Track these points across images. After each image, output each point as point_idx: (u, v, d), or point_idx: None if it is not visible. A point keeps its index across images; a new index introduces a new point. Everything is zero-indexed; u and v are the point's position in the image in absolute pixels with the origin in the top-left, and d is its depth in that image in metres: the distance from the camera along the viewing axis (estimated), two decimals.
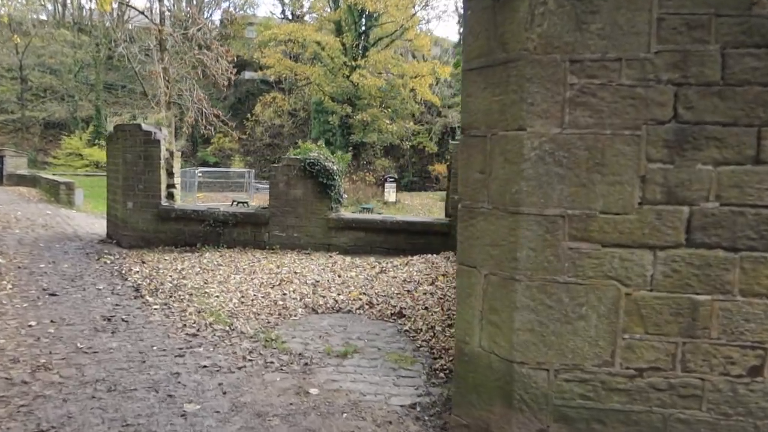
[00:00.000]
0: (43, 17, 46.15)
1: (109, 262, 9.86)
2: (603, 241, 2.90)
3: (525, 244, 2.96)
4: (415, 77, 35.52)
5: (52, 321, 6.19)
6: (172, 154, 11.53)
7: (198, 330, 6.00)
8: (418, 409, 4.12)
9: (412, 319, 6.40)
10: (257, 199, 30.28)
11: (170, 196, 11.67)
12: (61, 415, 3.91)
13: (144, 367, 4.88)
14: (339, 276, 8.76)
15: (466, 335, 3.33)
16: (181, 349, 5.40)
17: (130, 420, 3.86)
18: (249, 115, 41.91)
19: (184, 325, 6.18)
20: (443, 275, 8.62)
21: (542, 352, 2.99)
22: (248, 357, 5.20)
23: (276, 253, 10.84)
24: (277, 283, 8.19)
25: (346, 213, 12.03)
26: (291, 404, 4.17)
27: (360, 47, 35.94)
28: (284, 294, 7.57)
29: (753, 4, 2.72)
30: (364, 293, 7.67)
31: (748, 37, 2.73)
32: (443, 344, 5.47)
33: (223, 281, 8.33)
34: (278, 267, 9.41)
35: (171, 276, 8.62)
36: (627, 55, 2.82)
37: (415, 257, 10.17)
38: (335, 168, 11.14)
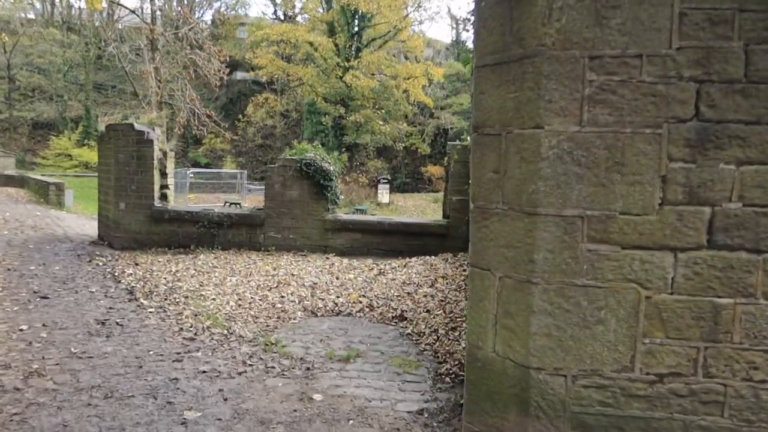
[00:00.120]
0: (32, 16, 45.75)
1: (101, 264, 9.70)
2: (623, 242, 2.82)
3: (542, 246, 2.87)
4: (408, 78, 35.45)
5: (44, 325, 6.05)
6: (165, 154, 11.37)
7: (195, 334, 5.87)
8: (426, 415, 4.02)
9: (414, 322, 6.30)
10: (249, 200, 30.08)
11: (163, 197, 11.51)
12: (56, 424, 3.78)
13: (141, 372, 4.76)
14: (337, 278, 8.65)
15: (479, 340, 3.23)
16: (178, 353, 5.28)
17: (128, 428, 3.74)
18: (241, 116, 41.69)
19: (181, 328, 6.05)
20: (442, 277, 8.53)
21: (560, 357, 2.90)
22: (248, 362, 5.08)
23: (272, 254, 10.71)
24: (275, 286, 8.07)
25: (343, 214, 11.91)
26: (295, 411, 4.06)
27: (353, 48, 35.82)
28: (282, 297, 7.45)
29: None
30: (364, 296, 7.57)
31: None
32: (447, 348, 5.37)
33: (219, 283, 8.19)
34: (275, 269, 9.28)
35: (165, 278, 8.47)
36: (648, 52, 2.73)
37: (413, 259, 10.06)
38: (332, 169, 11.02)
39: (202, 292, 7.61)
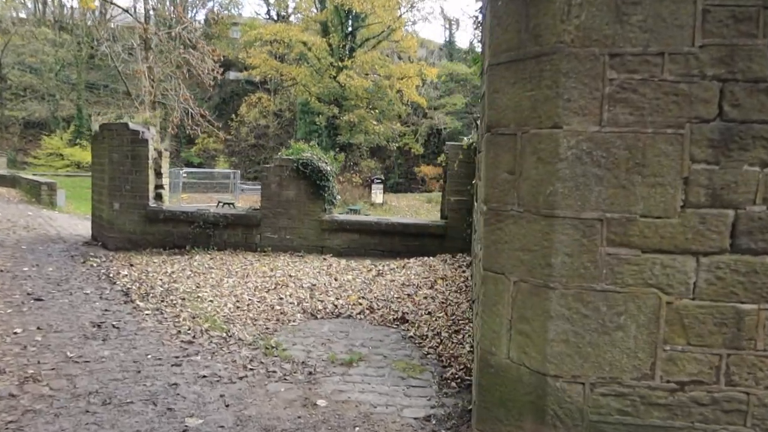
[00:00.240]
0: (23, 15, 45.33)
1: (95, 265, 9.55)
2: (643, 246, 2.73)
3: (560, 250, 2.78)
4: (402, 78, 35.37)
5: (38, 328, 5.91)
6: (160, 153, 11.23)
7: (194, 337, 5.75)
8: (434, 421, 3.93)
9: (416, 325, 6.20)
10: (243, 200, 29.91)
11: (158, 197, 11.37)
12: None
13: (139, 377, 4.64)
14: (335, 279, 8.54)
15: (491, 345, 3.14)
16: (177, 357, 5.16)
17: None
18: (234, 116, 41.49)
19: (179, 331, 5.93)
20: (442, 278, 8.44)
21: (578, 364, 2.81)
22: (249, 366, 4.97)
23: (268, 255, 10.59)
24: (273, 287, 7.95)
25: (340, 215, 11.81)
26: (299, 417, 3.96)
27: (347, 48, 35.70)
28: (281, 298, 7.34)
29: None
30: (363, 297, 7.47)
31: None
32: (451, 351, 5.28)
33: (215, 285, 8.07)
34: (272, 270, 9.17)
35: (161, 279, 8.34)
36: (670, 49, 2.65)
37: (412, 260, 9.97)
38: (329, 169, 10.92)
39: (199, 294, 7.49)
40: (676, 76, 2.65)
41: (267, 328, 6.17)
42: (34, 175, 27.63)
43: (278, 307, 6.93)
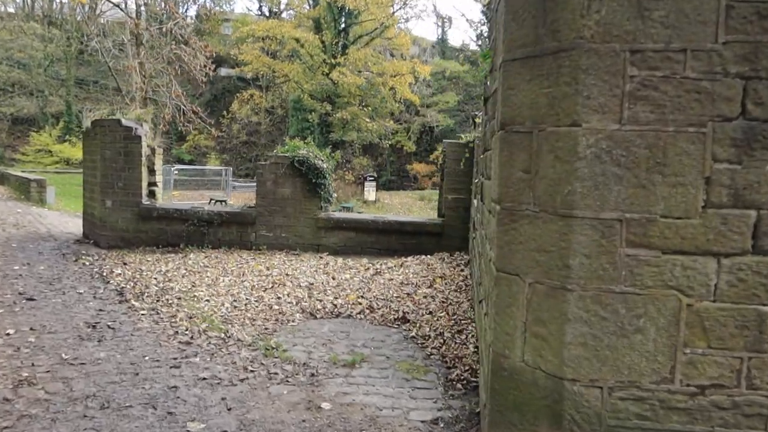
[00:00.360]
0: (11, 10, 44.76)
1: (88, 263, 9.41)
2: (663, 247, 2.66)
3: (578, 251, 2.71)
4: (395, 76, 35.26)
5: (31, 329, 5.79)
6: (153, 150, 11.08)
7: (192, 337, 5.65)
8: (442, 425, 3.86)
9: (418, 325, 6.13)
10: (235, 197, 29.75)
11: (152, 194, 11.22)
12: None
13: (138, 380, 4.53)
14: (333, 278, 8.45)
15: (505, 348, 3.06)
16: (175, 359, 5.06)
17: None
18: (225, 113, 41.23)
19: (176, 332, 5.82)
20: (441, 277, 8.38)
21: (596, 368, 2.74)
22: (249, 367, 4.87)
23: (263, 253, 10.48)
24: (270, 286, 7.85)
25: (336, 213, 11.71)
26: (303, 421, 3.87)
27: (339, 45, 35.54)
28: (279, 298, 7.24)
29: None
30: (362, 296, 7.38)
31: None
32: (455, 352, 5.21)
33: (211, 284, 7.96)
34: (268, 269, 9.06)
35: (156, 278, 8.22)
36: (692, 46, 2.58)
37: (409, 258, 9.90)
38: (325, 166, 10.81)
39: (195, 293, 7.38)
40: (698, 74, 2.58)
41: (266, 329, 6.07)
42: (22, 171, 27.31)
43: (276, 307, 6.84)
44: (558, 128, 2.74)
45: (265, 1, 45.61)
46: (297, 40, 35.25)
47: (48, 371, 4.64)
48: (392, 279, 8.42)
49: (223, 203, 22.88)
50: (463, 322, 6.10)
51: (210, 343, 5.52)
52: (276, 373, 4.76)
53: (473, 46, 46.18)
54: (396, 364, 5.05)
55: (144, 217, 10.95)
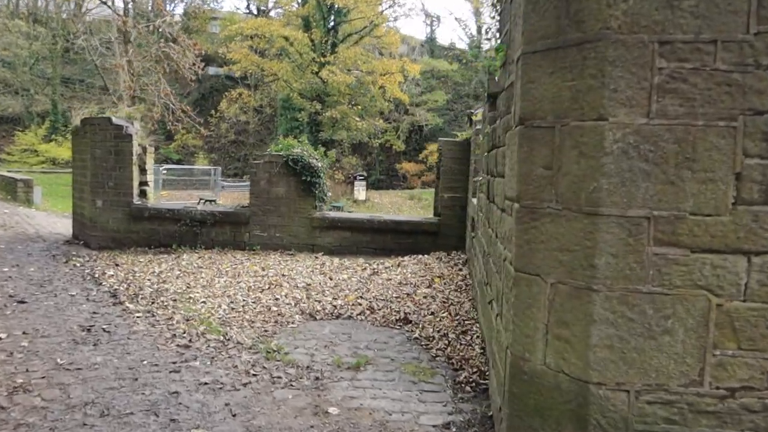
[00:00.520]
0: None
1: (79, 264, 9.21)
2: (692, 246, 2.58)
3: (605, 250, 2.61)
4: (385, 74, 35.10)
5: (24, 333, 5.62)
6: (144, 149, 10.89)
7: (190, 341, 5.51)
8: (454, 429, 3.76)
9: (420, 326, 6.02)
10: (224, 197, 29.45)
11: (143, 194, 11.02)
12: None
13: (137, 385, 4.39)
14: (330, 279, 8.33)
15: (525, 351, 2.96)
16: (174, 363, 4.92)
17: None
18: (213, 112, 40.86)
19: (174, 335, 5.67)
20: (439, 277, 8.28)
21: (622, 371, 2.65)
22: (252, 371, 4.74)
23: (258, 254, 10.33)
24: (266, 287, 7.71)
25: (331, 212, 11.58)
26: (312, 427, 3.75)
27: (329, 43, 35.30)
28: (276, 299, 7.11)
29: None
30: (361, 297, 7.26)
31: None
32: (461, 354, 5.11)
33: (207, 285, 7.81)
34: (263, 269, 8.92)
35: (150, 280, 8.05)
36: (723, 37, 2.49)
37: (406, 258, 9.80)
38: (320, 165, 10.68)
39: (191, 295, 7.23)
40: (729, 65, 2.50)
41: (266, 331, 5.94)
42: (8, 171, 26.87)
43: (275, 308, 6.70)
44: (583, 123, 2.64)
45: None
46: (286, 39, 34.98)
47: (43, 377, 4.48)
48: (390, 279, 8.31)
49: (213, 203, 22.63)
50: (466, 322, 6.01)
51: (209, 346, 5.38)
52: (279, 377, 4.63)
53: (462, 45, 46.18)
54: (401, 367, 4.94)
55: (135, 217, 10.76)
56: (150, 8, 27.24)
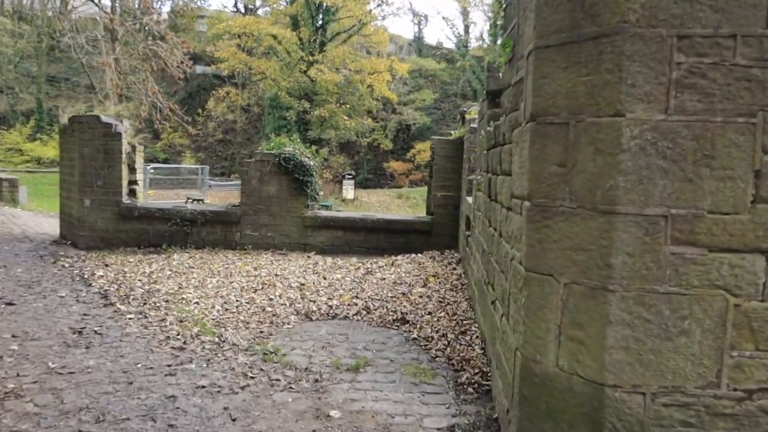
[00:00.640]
0: None
1: (67, 265, 9.04)
2: (710, 245, 2.52)
3: (621, 249, 2.55)
4: (373, 73, 35.02)
5: (13, 336, 5.47)
6: (134, 148, 10.72)
7: (184, 343, 5.39)
8: None
9: (418, 326, 5.95)
10: (211, 196, 29.21)
11: (132, 193, 10.86)
12: None
13: (132, 389, 4.27)
14: (324, 278, 8.23)
15: (536, 353, 2.90)
16: (169, 366, 4.80)
17: None
18: (200, 111, 40.54)
19: (168, 337, 5.56)
20: (434, 276, 8.22)
21: (638, 373, 2.59)
22: (249, 374, 4.64)
23: (249, 253, 10.21)
24: (260, 287, 7.60)
25: (324, 211, 11.48)
26: (314, 431, 3.66)
27: (317, 42, 35.12)
28: (271, 299, 7.00)
29: None
30: (356, 297, 7.18)
31: None
32: (462, 354, 5.04)
33: (199, 285, 7.68)
34: (255, 269, 8.81)
35: (140, 280, 7.91)
36: (743, 31, 2.44)
37: (399, 257, 9.73)
38: (312, 164, 10.58)
39: (183, 295, 7.10)
40: (748, 60, 2.45)
41: (261, 332, 5.84)
42: None
43: (270, 309, 6.60)
44: (599, 119, 2.57)
45: None
46: (274, 37, 34.76)
47: (35, 381, 4.35)
48: (384, 278, 8.23)
49: (200, 202, 22.42)
50: (465, 322, 5.94)
51: (204, 348, 5.27)
52: (278, 380, 4.53)
53: (449, 44, 46.19)
54: (402, 368, 4.86)
55: (125, 216, 10.60)
56: (137, 6, 26.91)
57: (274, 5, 38.35)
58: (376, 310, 6.60)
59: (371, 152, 43.46)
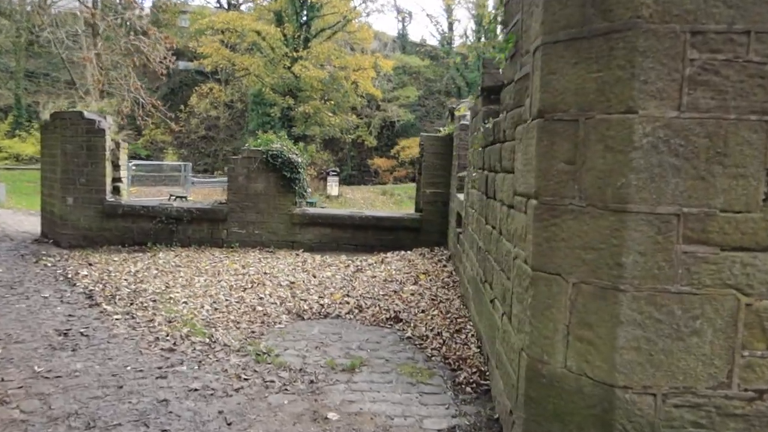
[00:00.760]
0: None
1: (50, 264, 8.85)
2: (722, 243, 2.49)
3: (632, 248, 2.51)
4: (358, 70, 34.88)
5: None
6: (118, 144, 10.52)
7: (174, 344, 5.27)
8: None
9: (412, 325, 5.89)
10: (195, 193, 28.89)
11: (116, 190, 10.66)
12: None
13: (122, 393, 4.16)
14: (314, 276, 8.14)
15: (543, 353, 2.84)
16: (160, 368, 4.69)
17: None
18: (183, 107, 40.08)
19: (157, 338, 5.43)
20: (424, 273, 8.16)
21: (649, 373, 2.55)
22: (242, 376, 4.55)
23: (237, 251, 10.08)
24: (249, 286, 7.49)
25: (311, 208, 11.37)
26: None
27: (301, 38, 34.90)
28: (261, 298, 6.90)
29: None
30: (348, 295, 7.10)
31: None
32: (458, 353, 4.99)
33: (186, 285, 7.55)
34: (244, 267, 8.69)
35: (126, 280, 7.75)
36: (757, 27, 2.40)
37: (389, 254, 9.66)
38: (299, 160, 10.47)
39: (171, 295, 6.97)
40: (762, 57, 2.41)
41: (252, 332, 5.74)
42: None
43: (260, 308, 6.49)
44: (609, 116, 2.52)
45: None
46: (258, 33, 34.45)
47: (21, 386, 4.21)
48: (375, 276, 8.16)
49: (184, 199, 22.18)
50: (459, 320, 5.90)
51: (195, 349, 5.16)
52: (272, 381, 4.44)
53: (433, 41, 46.17)
54: (397, 368, 4.80)
55: (108, 214, 10.40)
56: (119, 1, 26.48)
57: (258, 1, 38.04)
58: (368, 308, 6.53)
59: (355, 149, 43.31)
